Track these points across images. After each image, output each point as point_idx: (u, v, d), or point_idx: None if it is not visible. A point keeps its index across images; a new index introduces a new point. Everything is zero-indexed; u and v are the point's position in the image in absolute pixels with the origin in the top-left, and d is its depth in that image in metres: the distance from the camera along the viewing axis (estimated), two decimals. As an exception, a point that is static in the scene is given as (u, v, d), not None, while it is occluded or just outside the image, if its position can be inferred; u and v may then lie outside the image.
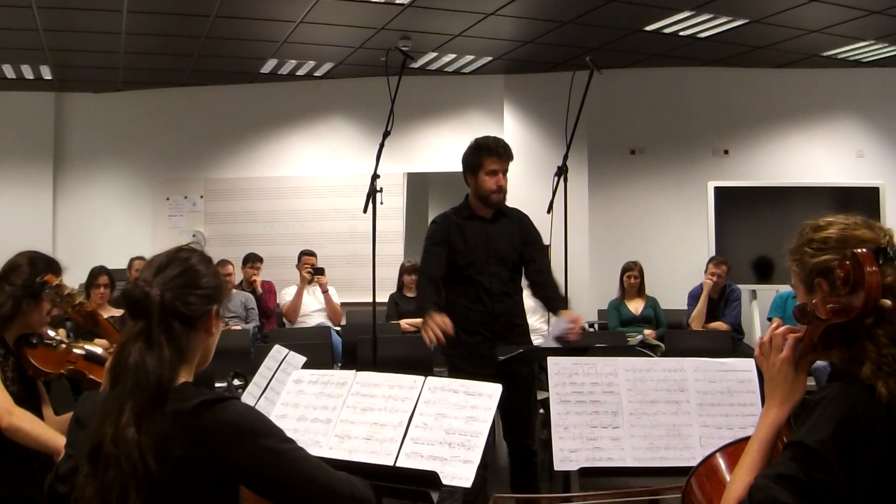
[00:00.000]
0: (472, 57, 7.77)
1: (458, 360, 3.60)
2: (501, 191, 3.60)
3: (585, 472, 2.31)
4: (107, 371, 1.52)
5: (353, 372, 2.33)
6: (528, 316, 3.90)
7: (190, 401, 1.45)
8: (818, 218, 1.51)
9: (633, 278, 6.73)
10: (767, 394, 1.49)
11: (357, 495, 1.53)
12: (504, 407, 3.53)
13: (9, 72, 7.91)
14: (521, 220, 3.77)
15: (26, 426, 2.32)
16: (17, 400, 2.41)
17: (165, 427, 1.43)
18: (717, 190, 7.11)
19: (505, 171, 3.61)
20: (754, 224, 6.96)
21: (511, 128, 8.09)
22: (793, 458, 1.33)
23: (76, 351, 2.69)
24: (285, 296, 6.97)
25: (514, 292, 3.71)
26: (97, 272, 5.61)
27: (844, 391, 1.37)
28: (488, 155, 3.59)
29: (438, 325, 3.27)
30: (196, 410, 1.44)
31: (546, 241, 3.91)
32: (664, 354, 5.55)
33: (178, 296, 1.52)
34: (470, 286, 3.62)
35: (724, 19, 6.56)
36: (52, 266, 2.56)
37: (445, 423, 2.11)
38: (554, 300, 3.69)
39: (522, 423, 3.64)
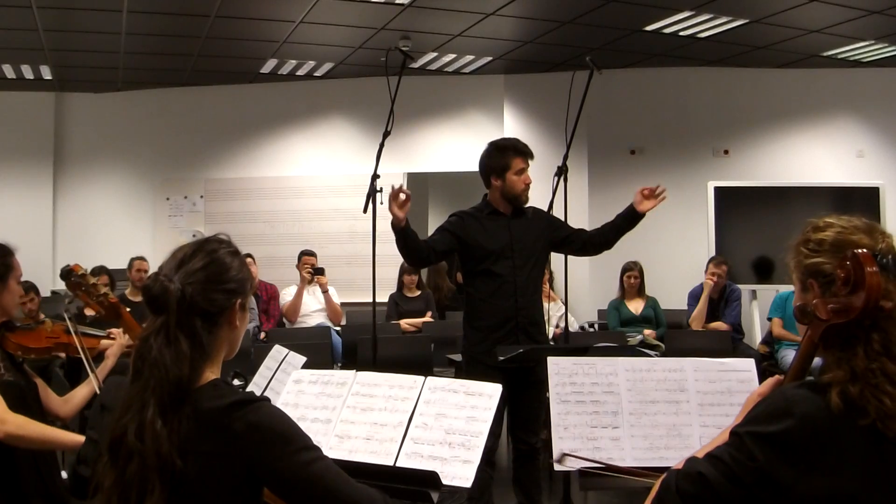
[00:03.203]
0: (472, 57, 7.76)
1: (480, 354, 3.61)
2: (528, 188, 3.70)
3: (585, 473, 2.30)
4: (130, 363, 1.50)
5: (353, 372, 2.32)
6: None
7: (224, 399, 1.45)
8: (822, 217, 1.52)
9: (633, 278, 6.73)
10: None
11: None
12: (514, 402, 3.58)
13: (9, 72, 7.90)
14: (540, 216, 3.84)
15: (24, 432, 2.29)
16: (16, 389, 2.41)
17: (195, 423, 1.42)
18: (717, 190, 7.11)
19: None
20: (754, 224, 6.96)
21: (511, 128, 8.08)
22: (727, 443, 1.40)
23: (57, 327, 2.75)
24: (285, 296, 6.96)
25: (537, 288, 3.75)
26: (97, 272, 5.61)
27: (787, 395, 1.38)
28: (516, 155, 3.69)
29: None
30: (229, 409, 1.43)
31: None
32: (664, 354, 5.55)
33: (200, 290, 1.49)
34: (493, 280, 3.64)
35: (724, 19, 6.56)
36: (4, 249, 2.53)
37: (445, 423, 2.11)
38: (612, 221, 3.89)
39: (531, 420, 3.65)
